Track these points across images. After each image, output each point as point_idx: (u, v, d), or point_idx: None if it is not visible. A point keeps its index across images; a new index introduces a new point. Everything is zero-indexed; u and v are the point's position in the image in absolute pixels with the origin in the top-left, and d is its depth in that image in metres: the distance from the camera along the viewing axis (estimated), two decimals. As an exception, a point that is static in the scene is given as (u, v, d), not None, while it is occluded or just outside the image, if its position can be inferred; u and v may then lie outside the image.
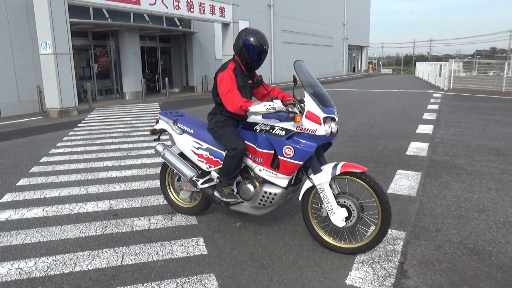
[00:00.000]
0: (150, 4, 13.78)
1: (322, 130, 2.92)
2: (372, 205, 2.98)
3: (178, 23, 18.22)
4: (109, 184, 4.78)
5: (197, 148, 3.47)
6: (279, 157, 3.08)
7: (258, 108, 2.96)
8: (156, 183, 4.78)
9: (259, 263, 2.91)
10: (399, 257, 2.98)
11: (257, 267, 2.86)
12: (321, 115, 2.92)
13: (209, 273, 2.77)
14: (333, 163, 3.05)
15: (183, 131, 3.56)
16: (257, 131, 3.20)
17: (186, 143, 3.53)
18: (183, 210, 3.79)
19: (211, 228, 3.53)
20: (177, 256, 3.02)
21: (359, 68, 46.83)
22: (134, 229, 3.51)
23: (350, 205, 3.00)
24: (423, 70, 31.77)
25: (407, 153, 6.24)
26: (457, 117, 10.28)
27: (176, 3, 14.84)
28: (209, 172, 3.47)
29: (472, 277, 2.72)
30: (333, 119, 2.98)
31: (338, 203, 3.01)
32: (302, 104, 3.03)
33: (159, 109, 12.26)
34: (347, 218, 3.00)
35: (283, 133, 3.07)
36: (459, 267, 2.85)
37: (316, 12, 31.33)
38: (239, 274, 2.77)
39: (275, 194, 3.16)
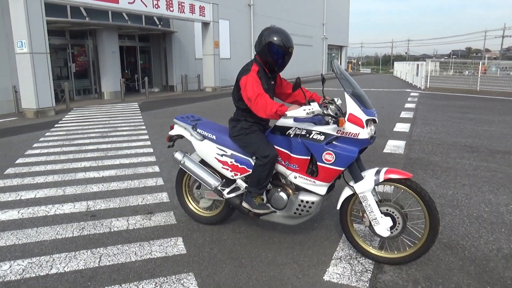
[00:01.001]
0: (128, 3, 13.61)
1: (365, 133, 2.73)
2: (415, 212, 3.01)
3: (158, 22, 18.05)
4: (87, 185, 4.71)
5: (221, 155, 3.25)
6: (318, 163, 2.87)
7: (297, 113, 2.73)
8: (135, 183, 4.73)
9: (238, 261, 2.92)
10: (376, 253, 3.04)
11: (236, 265, 2.87)
12: (364, 117, 2.73)
13: (188, 273, 2.76)
14: (375, 169, 2.89)
15: (204, 137, 3.33)
16: (291, 136, 2.99)
17: (209, 149, 3.31)
18: (204, 219, 3.55)
19: (190, 227, 3.52)
20: (155, 256, 3.00)
21: (339, 68, 47.30)
22: (112, 230, 3.47)
23: (394, 213, 2.83)
24: (401, 69, 32.37)
25: (385, 151, 6.35)
26: (433, 115, 10.52)
27: (155, 2, 14.70)
28: (234, 180, 3.25)
29: (446, 270, 2.80)
30: (374, 121, 2.81)
31: (381, 211, 2.84)
32: (332, 106, 2.91)
33: (139, 109, 12.13)
34: (391, 227, 2.83)
35: (322, 137, 2.86)
36: (433, 261, 2.92)
37: (296, 11, 31.53)
38: (218, 272, 2.77)
39: (313, 203, 2.96)
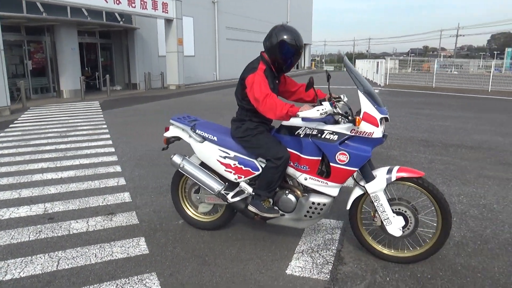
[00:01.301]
0: (87, -2, 13.17)
1: (379, 132, 2.68)
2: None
3: (119, 19, 17.58)
4: (44, 187, 4.54)
5: (224, 157, 3.10)
6: (332, 164, 2.78)
7: (310, 113, 2.65)
8: (95, 184, 4.62)
9: (202, 259, 2.93)
10: (336, 245, 3.13)
11: (199, 263, 2.88)
12: (378, 116, 2.67)
13: (150, 273, 2.74)
14: (386, 168, 2.86)
15: (205, 139, 3.17)
16: (301, 136, 2.88)
17: (210, 152, 3.15)
18: (204, 225, 3.40)
19: (152, 227, 3.48)
20: (117, 258, 2.95)
21: (303, 65, 47.95)
22: (71, 233, 3.37)
23: (406, 212, 2.82)
24: (362, 67, 33.23)
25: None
26: (392, 111, 10.87)
27: (115, -2, 14.30)
28: (237, 184, 3.12)
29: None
30: (386, 119, 2.76)
31: (393, 211, 2.82)
32: (341, 104, 2.89)
33: (100, 108, 11.79)
34: (403, 226, 2.82)
35: (335, 137, 2.77)
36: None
37: (260, 9, 31.63)
38: (181, 271, 2.77)
39: (324, 204, 2.89)
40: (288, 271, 2.76)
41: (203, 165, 3.25)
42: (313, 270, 2.77)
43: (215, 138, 3.14)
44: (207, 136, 3.16)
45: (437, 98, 14.70)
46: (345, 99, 2.97)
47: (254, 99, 2.81)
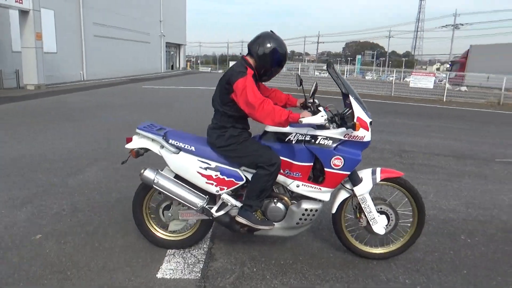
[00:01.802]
0: None
1: (369, 136, 2.80)
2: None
3: (-44, 6, 14.98)
4: None
5: (205, 169, 2.88)
6: (326, 169, 2.80)
7: (314, 120, 2.61)
8: None
9: (63, 275, 2.69)
10: (208, 243, 3.20)
11: (59, 279, 2.64)
12: (368, 120, 2.75)
13: (-1, 297, 2.42)
14: (369, 170, 2.97)
15: (180, 149, 2.90)
16: (293, 142, 2.83)
17: (188, 163, 2.89)
18: (175, 244, 3.11)
19: (3, 246, 3.07)
20: (-46, 286, 2.53)
21: (178, 66, 47.50)
22: None
23: (388, 211, 2.99)
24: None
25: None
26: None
27: (-50, -18, 12.16)
28: (216, 196, 2.95)
29: (267, 250, 3.14)
30: (371, 123, 2.81)
31: (376, 210, 2.95)
32: (331, 109, 2.89)
33: None
34: (386, 224, 2.97)
35: (330, 142, 2.79)
36: (257, 243, 3.23)
37: (131, 6, 30.26)
38: (37, 290, 2.51)
39: (316, 210, 2.90)
40: (159, 275, 2.73)
41: (178, 178, 2.97)
42: (185, 271, 2.78)
43: (193, 148, 2.91)
44: (182, 146, 2.91)
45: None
46: (317, 103, 3.01)
47: (247, 104, 2.65)
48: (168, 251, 3.06)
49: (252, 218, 2.84)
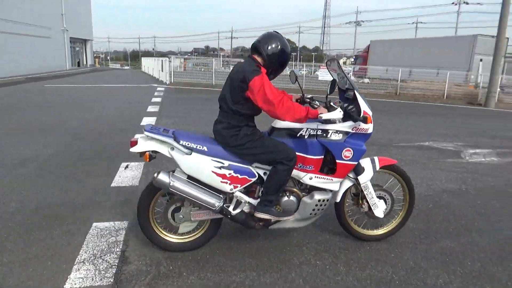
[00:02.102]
0: None
1: (371, 128, 3.02)
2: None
3: None
4: None
5: (220, 168, 2.85)
6: (338, 161, 2.96)
7: (334, 115, 2.81)
8: None
9: (-49, 298, 2.40)
10: (121, 247, 3.07)
11: None
12: (370, 113, 2.94)
13: None
14: (368, 159, 3.18)
15: (192, 150, 2.81)
16: (306, 137, 2.94)
17: (202, 164, 2.83)
18: (185, 246, 3.04)
19: None
20: None
21: (85, 63, 44.56)
22: None
23: (385, 196, 3.27)
24: (148, 65, 33.28)
25: (132, 145, 6.42)
26: (177, 108, 11.36)
27: None
28: (230, 194, 2.94)
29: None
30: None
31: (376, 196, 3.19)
32: (340, 103, 3.09)
33: None
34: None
35: (340, 136, 2.97)
36: (174, 241, 3.19)
37: (25, -2, 27.57)
38: None
39: (327, 200, 3.05)
40: (67, 285, 2.55)
41: (190, 179, 2.90)
42: (96, 278, 2.64)
43: (205, 148, 2.86)
44: (194, 147, 2.83)
45: (217, 94, 16.06)
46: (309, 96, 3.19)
47: (266, 101, 2.69)
48: (77, 259, 2.88)
49: (273, 212, 2.93)
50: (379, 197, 3.24)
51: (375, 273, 2.85)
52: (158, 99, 13.28)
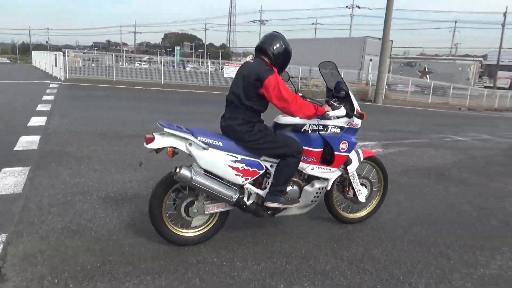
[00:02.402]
0: None
1: (360, 123, 3.42)
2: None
3: None
4: None
5: (234, 162, 3.03)
6: (336, 152, 3.33)
7: (339, 112, 3.23)
8: None
9: None
10: (-4, 263, 2.75)
11: None
12: (359, 109, 3.37)
13: None
14: (354, 151, 3.55)
15: (209, 145, 2.95)
16: (309, 132, 3.27)
17: (218, 158, 2.99)
18: (195, 239, 3.17)
19: None
20: None
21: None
22: None
23: (366, 183, 3.73)
24: (40, 59, 30.34)
25: (16, 148, 5.79)
26: (72, 106, 10.53)
27: None
28: (241, 186, 3.13)
29: (72, 256, 2.88)
30: None
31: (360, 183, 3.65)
32: (332, 102, 3.36)
33: None
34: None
35: (338, 130, 3.37)
36: (61, 251, 2.94)
37: None
38: None
39: (325, 188, 3.41)
40: None
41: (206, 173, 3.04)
42: (-37, 300, 2.33)
43: (220, 144, 3.01)
44: (211, 143, 2.98)
45: (117, 91, 15.30)
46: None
47: (281, 99, 2.94)
48: None
49: (282, 201, 3.16)
50: (362, 184, 3.69)
51: (270, 265, 2.95)
52: (51, 97, 12.13)
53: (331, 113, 3.18)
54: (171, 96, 15.38)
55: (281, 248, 3.22)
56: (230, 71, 21.71)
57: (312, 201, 3.38)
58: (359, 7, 68.24)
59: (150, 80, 21.17)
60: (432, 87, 24.63)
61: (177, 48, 63.87)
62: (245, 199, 3.14)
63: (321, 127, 3.31)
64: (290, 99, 2.95)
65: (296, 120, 3.20)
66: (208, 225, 3.22)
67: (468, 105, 22.74)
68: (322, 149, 3.32)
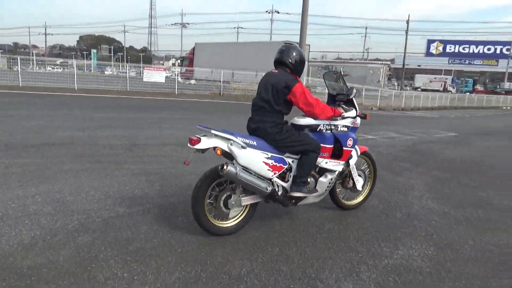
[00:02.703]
0: None
1: (359, 123, 4.14)
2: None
3: None
4: None
5: (267, 158, 3.46)
6: (344, 148, 3.92)
7: (352, 113, 3.98)
8: None
9: None
10: None
11: None
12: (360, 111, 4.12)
13: None
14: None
15: (247, 145, 3.36)
16: (324, 131, 3.82)
17: (254, 156, 3.41)
18: (231, 229, 3.56)
19: None
20: None
21: None
22: None
23: (361, 174, 4.37)
24: None
25: None
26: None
27: None
28: (270, 180, 3.53)
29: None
30: None
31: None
32: (342, 105, 4.07)
33: None
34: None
35: (345, 129, 3.98)
36: None
37: None
38: None
39: (335, 178, 3.99)
40: None
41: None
42: None
43: (255, 143, 3.42)
44: (248, 142, 3.37)
45: (25, 98, 14.04)
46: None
47: (307, 104, 3.47)
48: None
49: (305, 190, 3.64)
50: (358, 175, 4.28)
51: (184, 274, 2.87)
52: None
53: (346, 114, 3.89)
54: (84, 102, 14.47)
55: (196, 257, 3.14)
56: (150, 75, 21.08)
57: (325, 190, 3.92)
58: (278, 12, 70.38)
59: (63, 85, 19.76)
60: (347, 89, 26.07)
61: (93, 51, 60.55)
62: (277, 190, 3.58)
63: (332, 127, 3.89)
64: (314, 104, 3.49)
65: (312, 121, 3.75)
66: (240, 215, 3.63)
67: (379, 105, 24.49)
68: (333, 145, 3.87)
